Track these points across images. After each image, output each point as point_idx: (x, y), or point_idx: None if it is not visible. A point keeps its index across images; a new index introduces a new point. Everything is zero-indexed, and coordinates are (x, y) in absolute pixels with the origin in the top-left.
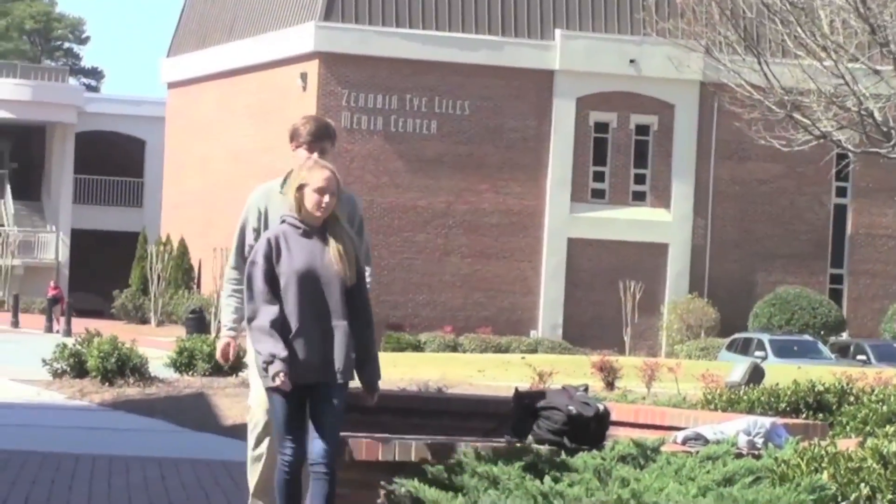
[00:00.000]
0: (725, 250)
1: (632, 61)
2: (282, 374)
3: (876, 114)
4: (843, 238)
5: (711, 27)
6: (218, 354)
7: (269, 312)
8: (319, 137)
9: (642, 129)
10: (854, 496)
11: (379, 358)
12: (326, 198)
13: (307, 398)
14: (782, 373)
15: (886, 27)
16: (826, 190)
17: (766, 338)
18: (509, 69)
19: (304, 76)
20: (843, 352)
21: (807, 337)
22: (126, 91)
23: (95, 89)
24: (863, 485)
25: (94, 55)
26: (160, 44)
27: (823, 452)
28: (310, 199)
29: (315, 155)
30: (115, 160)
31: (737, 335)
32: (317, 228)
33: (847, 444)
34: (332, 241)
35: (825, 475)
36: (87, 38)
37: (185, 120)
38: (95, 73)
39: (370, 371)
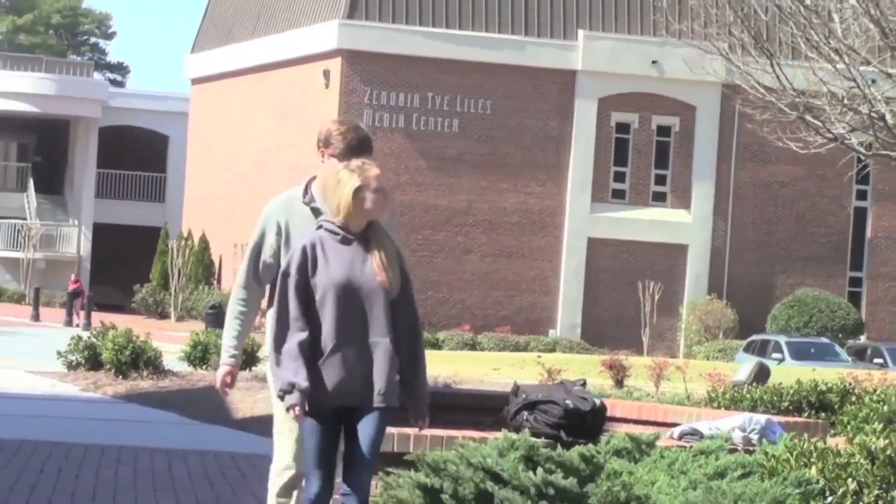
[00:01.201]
0: (745, 252)
1: (654, 62)
2: (296, 409)
3: (888, 117)
4: (862, 241)
5: (725, 29)
6: (218, 384)
7: (297, 334)
8: (357, 151)
9: (663, 130)
10: (841, 491)
11: (426, 378)
12: (382, 197)
13: (343, 425)
14: (798, 375)
15: None
16: (846, 193)
17: (783, 340)
18: (532, 69)
19: (326, 73)
20: (860, 355)
21: (823, 339)
22: (150, 86)
23: (120, 84)
24: (850, 480)
25: (119, 50)
26: (185, 40)
27: (812, 448)
28: (370, 201)
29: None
30: (138, 155)
31: (754, 337)
32: (357, 235)
33: (840, 442)
34: (373, 249)
35: (813, 470)
36: (114, 34)
37: (208, 116)
38: (121, 69)
39: (418, 392)
